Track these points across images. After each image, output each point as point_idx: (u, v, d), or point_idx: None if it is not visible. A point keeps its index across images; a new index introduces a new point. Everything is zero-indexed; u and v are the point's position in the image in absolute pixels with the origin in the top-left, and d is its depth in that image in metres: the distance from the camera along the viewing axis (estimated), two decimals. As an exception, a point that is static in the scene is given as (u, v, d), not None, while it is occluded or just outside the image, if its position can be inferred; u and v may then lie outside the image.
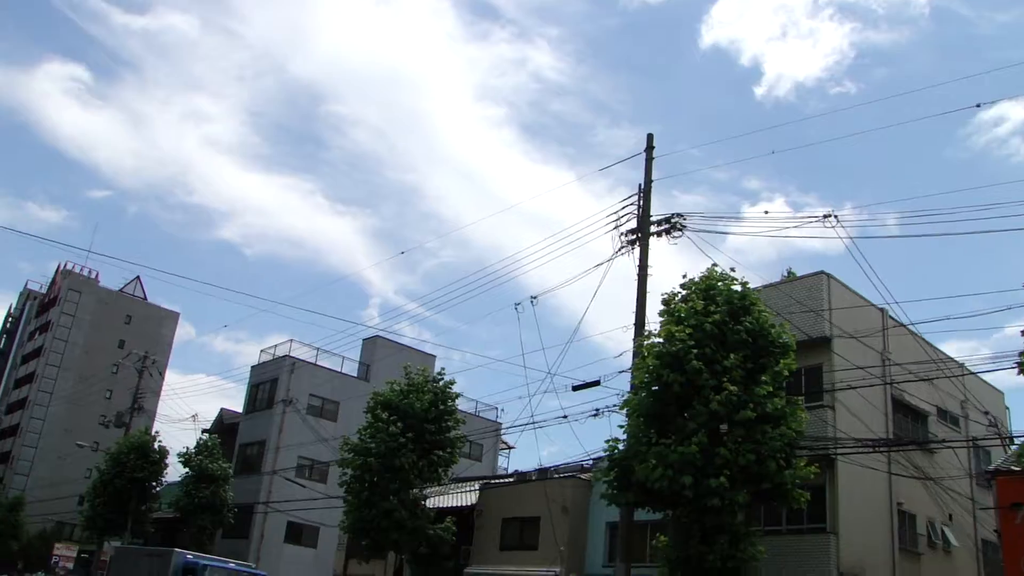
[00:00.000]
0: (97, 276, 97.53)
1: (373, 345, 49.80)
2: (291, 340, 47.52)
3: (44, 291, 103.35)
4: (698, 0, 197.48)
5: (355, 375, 50.09)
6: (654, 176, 24.57)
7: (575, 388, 25.16)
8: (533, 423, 26.63)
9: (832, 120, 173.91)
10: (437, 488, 30.01)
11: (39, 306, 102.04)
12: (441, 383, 30.08)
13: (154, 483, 46.45)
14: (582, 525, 27.78)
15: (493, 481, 31.93)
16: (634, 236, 24.46)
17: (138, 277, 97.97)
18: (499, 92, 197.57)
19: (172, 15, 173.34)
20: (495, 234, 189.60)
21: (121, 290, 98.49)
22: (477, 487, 31.35)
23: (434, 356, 50.03)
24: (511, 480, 30.21)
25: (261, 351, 49.72)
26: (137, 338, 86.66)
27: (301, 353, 48.26)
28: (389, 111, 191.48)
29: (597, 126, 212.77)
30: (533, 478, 30.40)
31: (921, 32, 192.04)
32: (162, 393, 74.39)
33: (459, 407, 30.86)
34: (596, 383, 24.87)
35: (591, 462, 28.71)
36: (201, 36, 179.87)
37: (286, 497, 43.77)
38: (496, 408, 52.23)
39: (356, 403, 47.43)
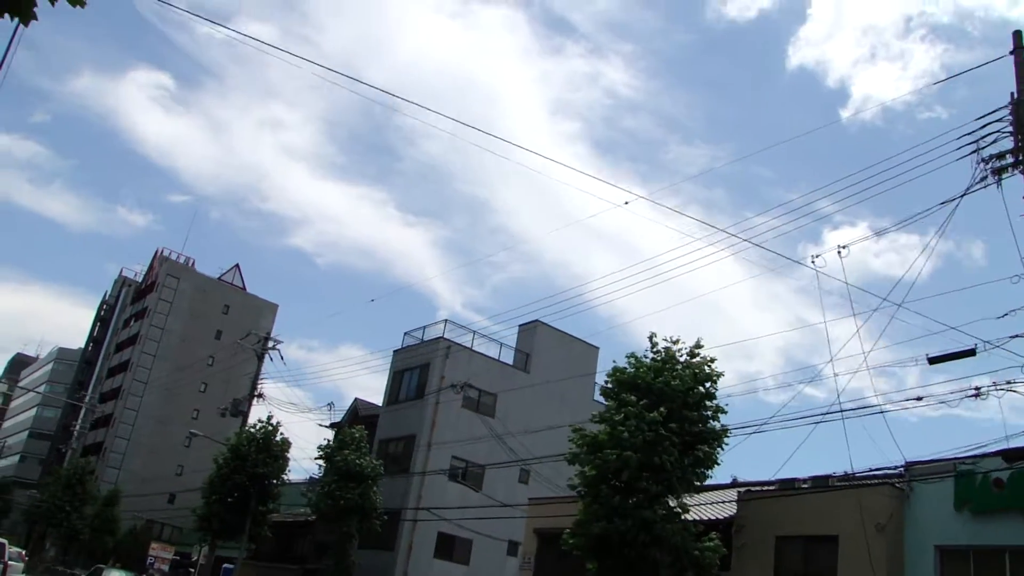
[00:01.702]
0: (193, 263, 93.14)
1: (532, 332, 42.91)
2: (446, 321, 41.00)
3: (139, 279, 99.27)
4: (788, 21, 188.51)
5: (511, 364, 43.35)
6: None
7: (932, 360, 18.55)
8: (840, 411, 20.36)
9: (916, 141, 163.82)
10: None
11: (135, 293, 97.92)
12: (697, 359, 23.38)
13: (275, 480, 40.71)
14: (897, 548, 20.89)
15: (757, 488, 24.95)
16: (1006, 161, 18.64)
17: (237, 265, 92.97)
18: (572, 107, 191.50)
19: (253, 24, 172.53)
20: (564, 250, 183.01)
21: (220, 278, 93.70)
22: (735, 496, 24.41)
23: (597, 348, 43.46)
24: (805, 487, 23.22)
25: (405, 334, 43.24)
26: (235, 329, 79.12)
27: (452, 336, 41.78)
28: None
29: (669, 143, 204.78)
30: (805, 485, 23.59)
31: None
32: (259, 385, 68.90)
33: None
34: (970, 352, 18.33)
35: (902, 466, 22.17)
36: (280, 45, 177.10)
37: (435, 503, 37.37)
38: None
39: (514, 396, 40.86)
